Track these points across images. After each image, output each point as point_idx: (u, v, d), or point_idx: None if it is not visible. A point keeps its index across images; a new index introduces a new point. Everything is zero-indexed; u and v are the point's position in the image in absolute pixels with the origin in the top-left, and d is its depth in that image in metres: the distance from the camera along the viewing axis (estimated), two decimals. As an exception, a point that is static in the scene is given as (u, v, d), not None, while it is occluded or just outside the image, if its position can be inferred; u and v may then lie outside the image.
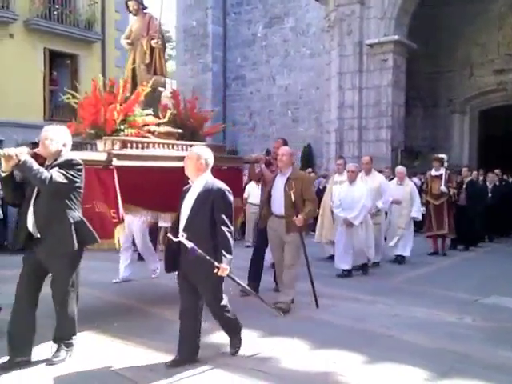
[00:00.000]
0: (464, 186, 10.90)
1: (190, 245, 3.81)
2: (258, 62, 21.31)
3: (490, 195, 12.63)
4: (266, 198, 5.99)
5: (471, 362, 4.26)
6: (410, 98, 16.65)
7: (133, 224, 6.86)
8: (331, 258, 8.68)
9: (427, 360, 4.21)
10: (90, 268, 7.20)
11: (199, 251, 3.81)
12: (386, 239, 9.30)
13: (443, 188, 9.92)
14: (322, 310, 5.85)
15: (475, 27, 16.83)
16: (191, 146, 5.13)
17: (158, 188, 5.20)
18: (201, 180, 4.09)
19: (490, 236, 12.49)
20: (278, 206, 5.77)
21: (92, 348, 4.47)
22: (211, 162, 4.18)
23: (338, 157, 11.96)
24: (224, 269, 3.85)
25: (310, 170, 15.94)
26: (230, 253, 3.92)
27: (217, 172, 5.60)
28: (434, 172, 10.33)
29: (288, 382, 3.75)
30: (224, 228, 3.93)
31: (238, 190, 6.34)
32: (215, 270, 3.84)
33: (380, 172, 9.78)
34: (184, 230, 3.95)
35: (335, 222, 8.30)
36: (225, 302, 4.16)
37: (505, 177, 13.96)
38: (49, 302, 4.06)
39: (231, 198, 4.09)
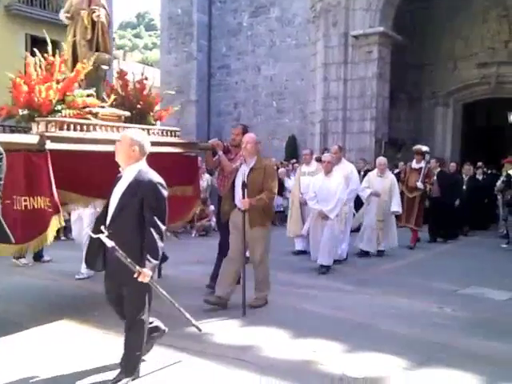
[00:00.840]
0: (435, 178, 10.62)
1: (109, 244, 3.37)
2: (243, 52, 21.18)
3: (464, 187, 12.30)
4: (229, 190, 5.64)
5: (450, 351, 4.32)
6: (394, 90, 16.70)
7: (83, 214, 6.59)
8: (300, 253, 8.69)
9: (406, 349, 4.27)
10: (72, 258, 7.20)
11: (120, 252, 3.35)
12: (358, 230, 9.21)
13: (419, 184, 9.79)
14: (304, 299, 5.89)
15: (459, 20, 16.90)
16: (141, 129, 4.65)
17: (100, 174, 4.56)
18: (133, 169, 3.54)
19: (467, 229, 12.14)
20: (240, 197, 5.35)
21: (71, 338, 4.45)
22: (147, 149, 3.64)
23: (323, 149, 11.86)
24: (145, 274, 3.36)
25: (294, 160, 16.00)
26: (155, 258, 3.41)
27: (167, 158, 5.30)
28: (414, 164, 10.16)
29: (269, 371, 3.77)
30: (152, 229, 3.40)
31: (192, 178, 6.08)
32: (135, 275, 3.36)
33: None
34: (109, 226, 3.47)
35: (309, 215, 8.03)
36: (144, 317, 3.56)
37: (487, 170, 13.97)
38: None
39: (164, 192, 3.51)
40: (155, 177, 3.52)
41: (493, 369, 3.93)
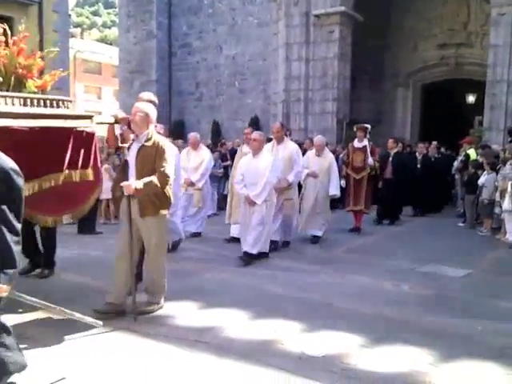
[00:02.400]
0: (390, 159, 10.35)
1: None
2: (204, 31, 20.84)
3: (418, 166, 12.00)
4: (121, 173, 4.74)
5: (407, 327, 4.40)
6: (356, 71, 16.78)
7: None
8: (234, 240, 7.75)
9: (364, 326, 4.32)
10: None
11: None
12: None
13: (370, 161, 9.24)
14: (265, 279, 5.89)
15: (420, 1, 17.05)
16: (14, 97, 4.16)
17: None
18: None
19: (417, 209, 11.96)
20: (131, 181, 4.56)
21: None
22: None
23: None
24: (1, 289, 2.65)
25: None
26: (11, 266, 2.68)
27: (53, 135, 4.49)
28: (356, 143, 9.53)
29: (228, 352, 3.75)
30: (4, 228, 2.64)
31: (88, 160, 4.92)
32: None
33: (300, 145, 9.19)
34: None
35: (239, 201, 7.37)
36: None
37: (442, 149, 14.12)
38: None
39: (20, 181, 2.75)
40: (7, 162, 2.74)
41: (448, 344, 4.02)
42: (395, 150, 10.70)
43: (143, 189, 4.31)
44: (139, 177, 4.42)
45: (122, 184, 4.34)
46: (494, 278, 6.32)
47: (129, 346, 3.88)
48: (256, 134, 6.90)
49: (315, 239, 8.26)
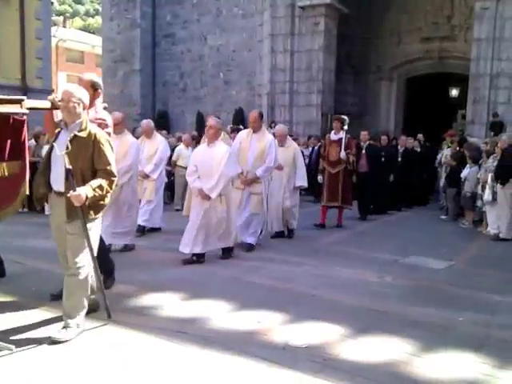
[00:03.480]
0: (363, 152, 10.01)
1: None
2: (188, 21, 20.65)
3: (399, 159, 11.69)
4: (45, 165, 3.93)
5: (389, 318, 4.44)
6: (341, 64, 16.80)
7: None
8: None
9: (347, 317, 4.35)
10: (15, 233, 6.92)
11: None
12: None
13: (343, 155, 8.70)
14: (249, 271, 5.90)
15: (405, -6, 17.09)
16: None
17: None
18: None
19: (402, 205, 11.71)
20: (56, 177, 3.82)
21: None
22: None
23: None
24: None
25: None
26: None
27: None
28: (333, 136, 9.00)
29: (212, 343, 3.74)
30: None
31: (19, 150, 4.13)
32: None
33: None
34: None
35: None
36: None
37: (426, 143, 14.12)
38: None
39: None
40: None
41: (430, 334, 4.07)
42: (367, 143, 10.40)
43: (94, 198, 3.72)
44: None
45: (69, 195, 3.60)
46: (475, 270, 6.41)
47: (111, 336, 3.86)
48: (213, 121, 6.33)
49: (290, 233, 8.01)
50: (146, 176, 7.89)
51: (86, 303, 3.93)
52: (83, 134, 3.79)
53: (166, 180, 9.23)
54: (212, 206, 6.12)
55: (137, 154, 6.82)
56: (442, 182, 11.79)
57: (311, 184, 9.71)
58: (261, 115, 7.30)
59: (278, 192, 7.76)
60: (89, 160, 3.79)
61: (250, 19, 18.74)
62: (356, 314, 4.51)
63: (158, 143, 8.08)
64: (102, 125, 4.29)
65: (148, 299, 4.74)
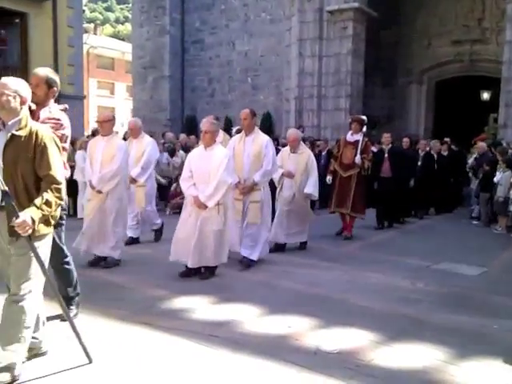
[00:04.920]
0: (386, 156, 9.38)
1: None
2: (217, 27, 20.82)
3: (419, 163, 11.09)
4: None
5: (421, 325, 4.39)
6: (369, 67, 16.69)
7: None
8: None
9: (379, 323, 4.31)
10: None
11: None
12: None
13: (357, 159, 8.07)
14: (278, 275, 5.90)
15: (435, -3, 16.91)
16: None
17: None
18: None
19: (423, 212, 11.21)
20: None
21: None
22: None
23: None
24: None
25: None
26: None
27: None
28: (349, 136, 8.37)
29: (243, 347, 3.76)
30: None
31: None
32: None
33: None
34: None
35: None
36: None
37: (453, 147, 13.52)
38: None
39: None
40: None
41: (463, 341, 4.00)
42: (390, 146, 9.57)
43: (41, 218, 3.07)
44: (10, 182, 3.04)
45: (13, 223, 2.97)
46: (509, 277, 6.28)
47: (143, 339, 3.91)
48: (207, 125, 5.68)
49: (303, 245, 7.45)
50: (133, 180, 7.27)
51: (26, 340, 3.18)
52: (22, 133, 3.12)
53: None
54: (209, 216, 5.53)
55: (125, 157, 6.16)
56: (474, 186, 11.54)
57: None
58: (253, 113, 6.47)
59: (286, 202, 7.17)
60: (30, 164, 3.11)
61: (277, 24, 18.79)
62: (388, 319, 4.47)
63: (146, 145, 7.45)
64: (57, 125, 3.79)
65: (179, 303, 4.79)
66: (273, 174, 6.68)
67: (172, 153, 11.54)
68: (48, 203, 3.08)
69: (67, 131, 3.94)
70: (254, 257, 6.27)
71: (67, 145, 4.02)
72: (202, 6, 21.00)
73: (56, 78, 3.99)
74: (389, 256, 7.16)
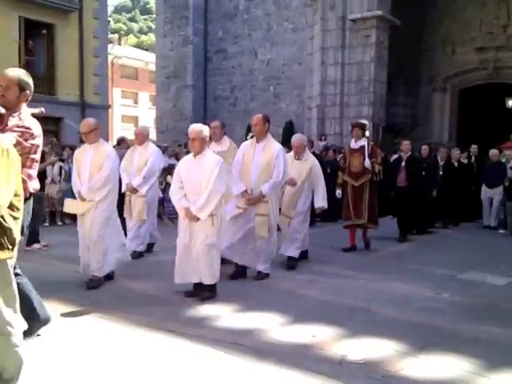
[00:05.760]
0: (403, 164, 8.93)
1: None
2: (239, 36, 21.00)
3: (441, 173, 10.73)
4: None
5: (448, 335, 4.32)
6: (392, 75, 16.62)
7: None
8: None
9: (405, 334, 4.26)
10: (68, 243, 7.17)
11: None
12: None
13: (367, 163, 7.67)
14: (302, 284, 5.89)
15: (458, 4, 16.79)
16: None
17: None
18: None
19: (442, 222, 10.89)
20: None
21: (68, 321, 4.42)
22: None
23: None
24: None
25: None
26: None
27: None
28: (353, 144, 8.00)
29: (268, 356, 3.75)
30: None
31: None
32: None
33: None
34: None
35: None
36: None
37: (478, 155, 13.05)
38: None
39: None
40: None
41: (491, 353, 3.92)
42: (408, 154, 9.06)
43: None
44: None
45: None
46: (537, 287, 6.15)
47: (167, 346, 3.93)
48: (196, 131, 5.13)
49: (303, 253, 7.03)
50: (134, 190, 7.01)
51: None
52: None
53: (160, 195, 8.65)
54: (201, 229, 5.08)
55: (114, 165, 5.70)
56: (484, 195, 11.04)
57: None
58: (266, 119, 6.03)
59: (288, 212, 6.83)
60: None
61: (300, 33, 18.87)
62: (414, 330, 4.42)
63: (150, 153, 7.17)
64: (26, 135, 3.46)
65: (204, 310, 4.81)
66: (281, 185, 6.27)
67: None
68: None
69: (38, 141, 3.58)
70: (266, 269, 6.05)
71: (37, 156, 3.61)
72: (224, 15, 21.22)
73: (29, 80, 3.65)
74: (412, 265, 7.08)
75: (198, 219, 5.04)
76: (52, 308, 4.24)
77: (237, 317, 4.69)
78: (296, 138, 7.06)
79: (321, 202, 6.96)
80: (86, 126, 5.66)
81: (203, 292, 5.17)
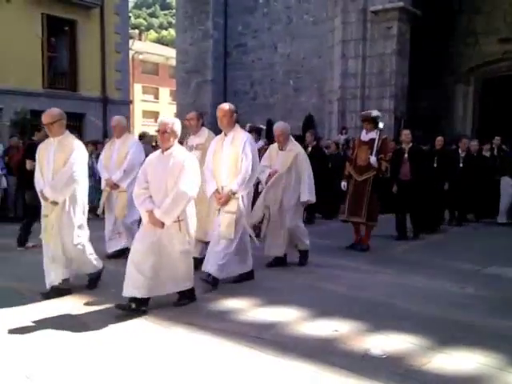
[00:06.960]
0: (406, 156, 8.36)
1: None
2: (259, 30, 20.93)
3: (461, 165, 10.25)
4: None
5: (473, 330, 4.27)
6: (414, 68, 16.41)
7: None
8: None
9: (429, 328, 4.22)
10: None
11: None
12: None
13: (373, 160, 7.21)
14: (324, 278, 5.87)
15: (481, -5, 16.50)
16: None
17: None
18: None
19: (456, 218, 10.42)
20: None
21: (87, 313, 4.49)
22: None
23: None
24: None
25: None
26: None
27: None
28: (363, 135, 7.57)
29: (290, 350, 3.75)
30: None
31: None
32: None
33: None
34: None
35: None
36: None
37: (504, 147, 12.79)
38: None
39: None
40: None
41: (517, 349, 3.88)
42: (410, 145, 8.46)
43: None
44: None
45: None
46: None
47: (189, 339, 3.96)
48: (163, 123, 4.62)
49: (303, 253, 6.56)
50: (115, 186, 6.56)
51: None
52: None
53: None
54: (167, 236, 4.54)
55: (82, 159, 5.10)
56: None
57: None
58: (233, 110, 5.57)
59: (272, 207, 6.29)
60: None
61: (320, 26, 18.74)
62: (437, 324, 4.37)
63: (130, 146, 6.70)
64: None
65: (227, 304, 4.83)
66: (254, 179, 5.60)
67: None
68: None
69: None
70: (218, 275, 5.31)
71: None
72: (244, 9, 21.17)
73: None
74: (434, 259, 7.02)
75: (163, 224, 4.48)
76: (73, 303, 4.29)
77: (258, 310, 4.70)
78: (277, 127, 6.45)
79: (306, 196, 6.27)
80: (49, 116, 4.99)
81: (183, 299, 4.80)
